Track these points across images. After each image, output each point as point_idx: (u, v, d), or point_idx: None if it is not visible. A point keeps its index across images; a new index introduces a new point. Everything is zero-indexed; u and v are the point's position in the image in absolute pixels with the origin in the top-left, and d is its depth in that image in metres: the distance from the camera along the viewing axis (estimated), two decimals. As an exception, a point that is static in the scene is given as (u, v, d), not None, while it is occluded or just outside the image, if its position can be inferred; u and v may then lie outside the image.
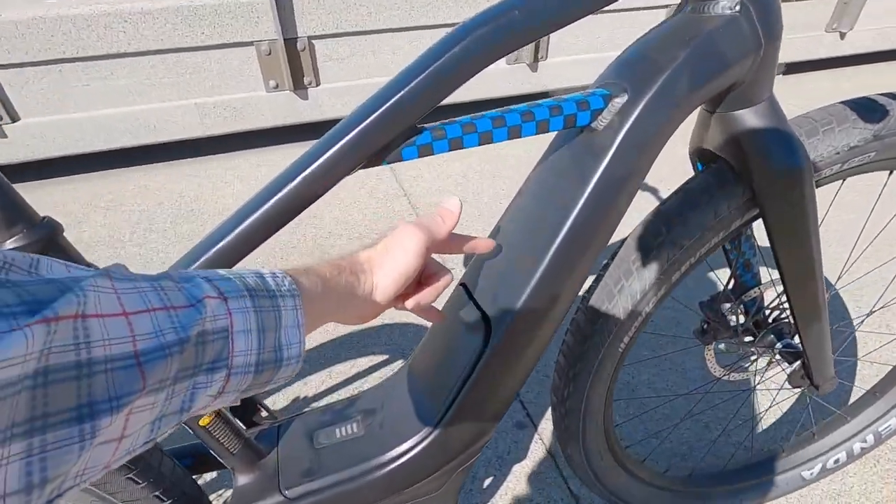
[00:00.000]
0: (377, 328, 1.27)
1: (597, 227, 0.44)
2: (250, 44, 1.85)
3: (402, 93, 0.36)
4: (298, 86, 1.98)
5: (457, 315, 0.51)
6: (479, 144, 0.40)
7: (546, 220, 0.44)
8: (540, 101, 0.42)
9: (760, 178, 0.48)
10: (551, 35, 2.10)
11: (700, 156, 0.57)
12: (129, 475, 0.44)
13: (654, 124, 0.41)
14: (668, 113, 0.41)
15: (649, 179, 1.94)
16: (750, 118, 0.45)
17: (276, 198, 0.36)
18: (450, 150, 0.40)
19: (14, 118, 1.77)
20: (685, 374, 1.14)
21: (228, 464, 0.49)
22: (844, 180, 0.57)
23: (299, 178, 0.36)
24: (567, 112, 0.41)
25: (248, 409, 0.56)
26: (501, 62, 2.23)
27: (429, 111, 0.38)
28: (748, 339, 0.73)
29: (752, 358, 0.77)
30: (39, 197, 1.85)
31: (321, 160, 0.36)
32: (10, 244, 0.33)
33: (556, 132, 0.46)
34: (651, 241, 0.54)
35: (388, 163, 0.39)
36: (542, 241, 0.44)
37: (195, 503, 0.50)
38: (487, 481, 0.95)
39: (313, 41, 1.93)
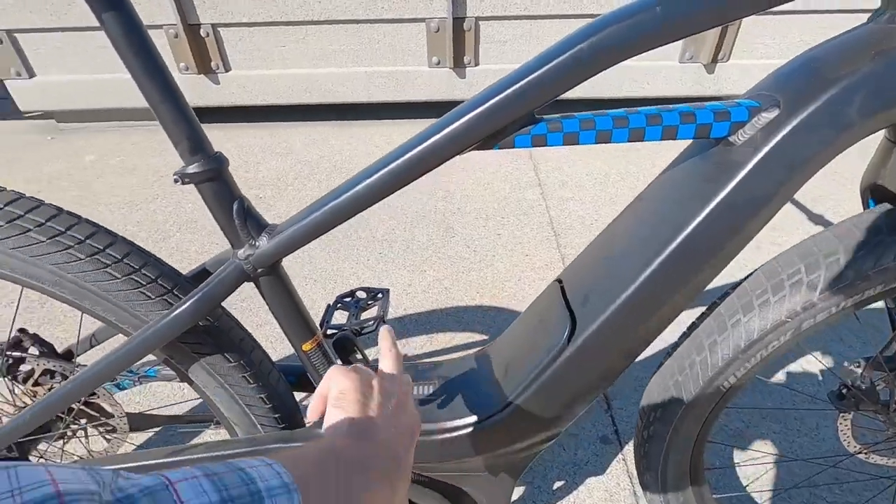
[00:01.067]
0: (476, 309, 1.30)
1: (710, 251, 0.40)
2: (422, 20, 1.96)
3: (523, 82, 0.37)
4: (458, 64, 2.05)
5: (546, 310, 0.51)
6: (596, 143, 0.40)
7: (655, 234, 0.42)
8: (673, 105, 0.39)
9: None
10: (739, 33, 1.88)
11: (874, 192, 0.49)
12: (245, 374, 0.53)
13: (804, 147, 0.36)
14: (826, 136, 0.36)
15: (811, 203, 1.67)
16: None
17: (389, 167, 0.40)
18: (563, 145, 0.40)
19: (227, 69, 2.11)
20: (814, 436, 0.98)
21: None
22: None
23: (414, 151, 0.39)
24: (701, 121, 0.38)
25: (346, 347, 0.63)
26: (674, 58, 2.06)
27: (548, 102, 0.38)
28: (900, 418, 0.61)
29: (901, 442, 0.64)
30: (231, 137, 2.19)
31: (436, 137, 0.39)
32: (190, 168, 0.42)
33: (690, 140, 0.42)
34: (785, 278, 0.48)
35: (500, 147, 0.40)
36: (646, 254, 0.42)
37: (291, 414, 0.58)
38: (558, 483, 0.94)
39: (480, 22, 1.97)
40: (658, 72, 2.08)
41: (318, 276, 1.43)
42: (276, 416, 0.56)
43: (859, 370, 0.60)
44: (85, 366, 0.51)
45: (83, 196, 1.80)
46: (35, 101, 2.19)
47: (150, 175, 1.90)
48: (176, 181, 0.42)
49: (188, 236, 1.60)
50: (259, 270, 0.46)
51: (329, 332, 0.61)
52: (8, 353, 0.60)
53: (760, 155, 0.37)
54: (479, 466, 0.55)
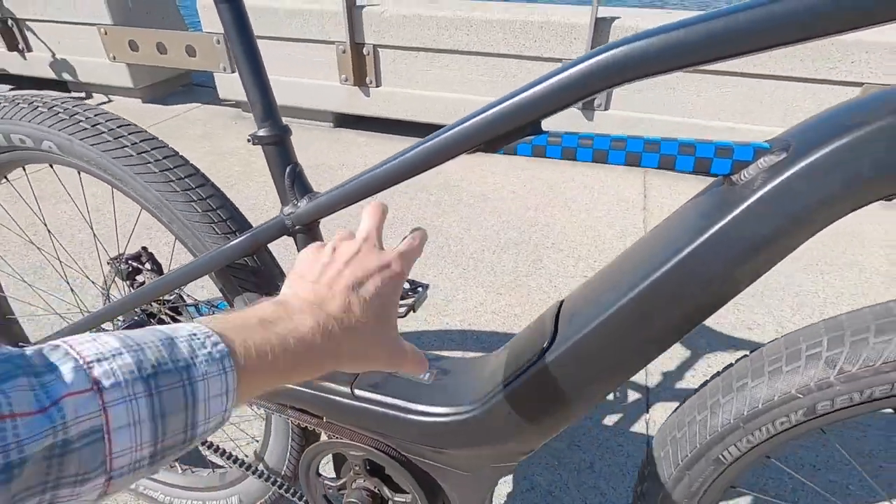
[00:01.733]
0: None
1: (688, 290, 0.38)
2: (559, 60, 2.02)
3: (528, 92, 0.40)
4: (587, 105, 2.06)
5: (539, 324, 0.51)
6: (593, 161, 0.41)
7: (638, 266, 0.41)
8: (680, 138, 0.39)
9: None
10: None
11: None
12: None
13: (805, 195, 0.34)
14: (830, 188, 0.33)
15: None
16: None
17: (409, 154, 0.46)
18: (562, 158, 0.42)
19: (378, 84, 2.37)
20: None
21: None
22: None
23: (431, 143, 0.45)
24: (700, 154, 0.37)
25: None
26: None
27: (553, 114, 0.41)
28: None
29: None
30: (370, 144, 2.43)
31: (449, 133, 0.44)
32: (260, 132, 0.52)
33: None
34: (804, 348, 0.43)
35: (504, 152, 0.43)
36: (622, 286, 0.41)
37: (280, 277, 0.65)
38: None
39: (618, 68, 1.97)
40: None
41: (402, 276, 1.53)
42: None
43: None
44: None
45: (243, 171, 2.15)
46: (231, 92, 2.67)
47: (304, 164, 2.20)
48: (248, 141, 0.52)
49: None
50: (297, 227, 0.54)
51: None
52: (130, 262, 0.77)
53: (757, 195, 0.35)
54: (458, 464, 0.57)
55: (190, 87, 3.30)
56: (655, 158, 0.39)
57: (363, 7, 2.19)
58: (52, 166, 0.65)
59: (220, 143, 2.43)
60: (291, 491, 0.72)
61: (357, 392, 0.58)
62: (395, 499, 0.62)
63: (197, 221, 0.57)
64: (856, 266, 1.61)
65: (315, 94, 2.46)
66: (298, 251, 0.57)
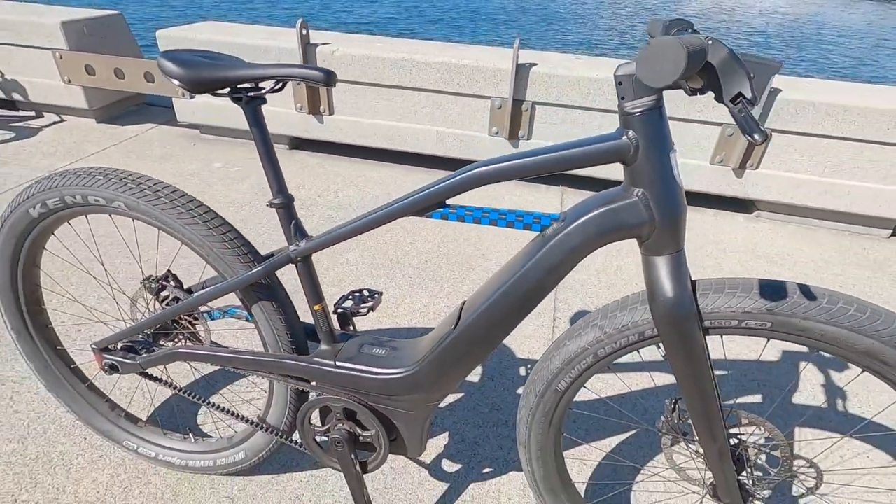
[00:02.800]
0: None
1: (521, 294, 0.73)
2: (488, 98, 2.39)
3: (436, 188, 0.73)
4: (512, 136, 2.44)
5: (450, 317, 0.85)
6: (473, 222, 0.74)
7: (499, 280, 0.75)
8: (516, 210, 0.73)
9: (656, 311, 0.70)
10: (770, 144, 2.10)
11: None
12: (280, 317, 0.91)
13: (570, 243, 0.69)
14: (581, 241, 0.69)
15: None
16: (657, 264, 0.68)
17: (373, 215, 0.77)
18: (457, 221, 0.75)
19: (331, 112, 2.66)
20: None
21: (320, 337, 0.93)
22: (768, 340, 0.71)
23: (389, 208, 0.76)
24: (526, 221, 0.72)
25: (345, 320, 1.00)
26: (706, 160, 2.31)
27: (450, 198, 0.74)
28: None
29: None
30: (325, 165, 2.71)
31: (400, 204, 0.75)
32: (275, 200, 0.82)
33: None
34: (591, 320, 0.79)
35: (427, 216, 0.76)
36: (491, 292, 0.75)
37: (301, 348, 0.95)
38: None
39: (536, 105, 2.36)
40: (693, 169, 2.34)
41: (358, 284, 1.83)
42: (294, 346, 0.94)
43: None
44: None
45: (204, 192, 2.37)
46: (188, 115, 2.86)
47: (257, 186, 2.44)
48: (268, 205, 0.82)
49: (274, 233, 2.08)
50: (298, 259, 0.85)
51: (338, 308, 0.99)
52: (160, 282, 1.04)
53: (549, 244, 0.70)
54: (403, 406, 0.89)
55: (143, 106, 3.42)
56: (504, 222, 0.73)
57: (317, 45, 2.48)
58: (110, 216, 0.92)
59: (181, 166, 2.62)
60: (289, 439, 1.01)
61: (338, 363, 0.89)
62: (364, 434, 0.94)
63: (227, 254, 0.86)
64: (717, 267, 2.08)
65: (273, 119, 2.71)
66: (298, 275, 0.88)
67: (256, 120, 0.78)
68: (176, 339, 1.08)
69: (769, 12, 16.56)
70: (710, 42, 0.53)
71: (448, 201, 0.75)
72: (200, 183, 2.45)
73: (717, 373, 1.55)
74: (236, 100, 0.76)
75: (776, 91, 2.13)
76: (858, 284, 2.03)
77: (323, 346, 0.93)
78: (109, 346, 1.00)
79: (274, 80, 0.73)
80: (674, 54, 0.46)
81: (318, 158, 2.78)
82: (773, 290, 0.67)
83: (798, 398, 1.48)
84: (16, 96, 3.09)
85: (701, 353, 0.71)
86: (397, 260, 1.99)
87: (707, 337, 0.75)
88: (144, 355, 1.01)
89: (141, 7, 9.63)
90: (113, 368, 1.00)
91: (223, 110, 2.76)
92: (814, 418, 1.42)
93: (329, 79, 0.72)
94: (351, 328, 1.01)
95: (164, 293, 1.05)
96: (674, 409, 0.88)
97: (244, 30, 2.75)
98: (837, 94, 2.15)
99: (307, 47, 2.46)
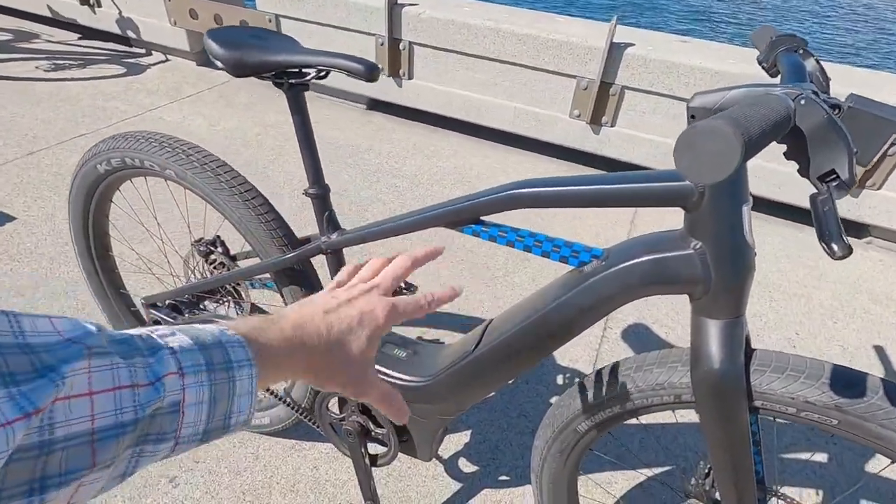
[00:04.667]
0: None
1: (550, 327, 0.66)
2: (574, 77, 2.22)
3: (470, 202, 0.66)
4: (595, 121, 2.27)
5: (473, 333, 0.80)
6: (506, 245, 0.68)
7: (530, 308, 0.69)
8: (555, 239, 0.65)
9: (697, 379, 0.60)
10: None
11: None
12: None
13: (606, 288, 0.61)
14: (621, 287, 0.60)
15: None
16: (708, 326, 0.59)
17: (404, 220, 0.73)
18: (489, 240, 0.69)
19: (410, 76, 2.60)
20: None
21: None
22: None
23: (422, 216, 0.71)
24: (563, 254, 0.64)
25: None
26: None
27: (486, 215, 0.68)
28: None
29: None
30: (397, 130, 2.69)
31: (435, 212, 0.70)
32: (310, 190, 0.80)
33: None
34: (620, 370, 0.71)
35: (461, 231, 0.70)
36: (520, 318, 0.69)
37: (317, 285, 0.95)
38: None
39: (626, 89, 2.16)
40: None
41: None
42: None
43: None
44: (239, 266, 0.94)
45: (281, 146, 2.44)
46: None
47: (330, 146, 2.47)
48: (303, 194, 0.80)
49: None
50: (329, 251, 0.83)
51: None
52: (209, 246, 1.07)
53: (586, 283, 0.62)
54: (416, 412, 0.87)
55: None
56: (540, 250, 0.66)
57: (403, 6, 2.40)
58: (167, 182, 0.95)
59: (263, 116, 2.71)
60: (308, 418, 1.04)
61: (357, 359, 0.88)
62: (376, 430, 0.94)
63: (262, 234, 0.87)
64: (806, 297, 1.85)
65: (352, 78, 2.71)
66: (328, 266, 0.87)
67: (298, 106, 0.75)
68: (220, 302, 1.12)
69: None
70: (802, 101, 0.41)
71: (483, 217, 0.69)
72: (278, 135, 2.52)
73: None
74: (279, 84, 0.74)
75: (922, 101, 1.79)
76: (982, 342, 1.73)
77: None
78: (157, 303, 1.06)
79: (316, 70, 0.69)
80: (723, 146, 0.33)
81: (393, 122, 2.76)
82: (847, 381, 0.56)
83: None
84: (129, 34, 3.31)
85: (743, 432, 0.62)
86: (452, 241, 1.95)
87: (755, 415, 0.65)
88: (187, 315, 1.06)
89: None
90: (157, 324, 1.06)
91: (307, 65, 2.78)
92: None
93: (371, 74, 0.67)
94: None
95: (212, 256, 1.09)
96: (707, 475, 0.80)
97: (336, -16, 2.73)
98: None
99: (394, 7, 2.40)
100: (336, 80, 2.74)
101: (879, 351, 1.64)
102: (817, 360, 0.59)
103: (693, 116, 0.52)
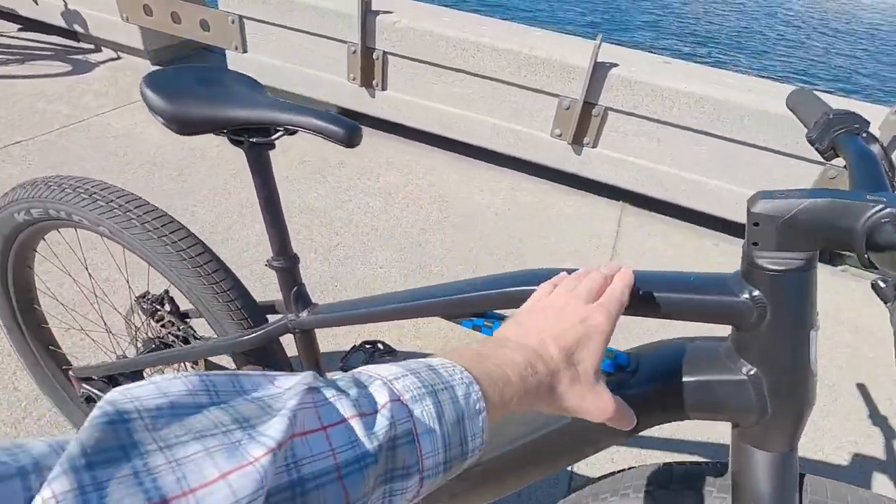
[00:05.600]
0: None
1: (554, 456, 0.56)
2: (556, 96, 2.13)
3: (493, 291, 0.55)
4: (577, 141, 2.19)
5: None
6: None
7: (527, 423, 0.58)
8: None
9: None
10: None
11: None
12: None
13: (636, 411, 0.51)
14: (651, 410, 0.50)
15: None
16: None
17: (389, 305, 0.61)
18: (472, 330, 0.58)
19: (384, 88, 2.47)
20: None
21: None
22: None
23: (415, 302, 0.59)
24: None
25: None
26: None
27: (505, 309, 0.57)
28: None
29: None
30: (370, 143, 2.55)
31: (429, 300, 0.58)
32: (275, 262, 0.67)
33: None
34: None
35: (462, 325, 0.59)
36: (518, 433, 0.59)
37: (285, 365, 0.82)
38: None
39: (609, 111, 2.10)
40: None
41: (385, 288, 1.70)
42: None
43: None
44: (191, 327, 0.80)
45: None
46: (238, 69, 2.73)
47: (298, 159, 2.32)
48: (266, 265, 0.67)
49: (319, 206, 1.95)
50: (297, 331, 0.70)
51: (343, 368, 0.85)
52: (155, 304, 0.93)
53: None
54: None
55: (200, 52, 3.31)
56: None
57: (378, 13, 2.26)
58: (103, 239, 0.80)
59: (226, 125, 2.52)
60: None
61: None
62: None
63: (218, 308, 0.73)
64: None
65: (323, 87, 2.55)
66: (297, 349, 0.74)
67: (260, 167, 0.62)
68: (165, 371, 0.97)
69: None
70: (885, 221, 0.34)
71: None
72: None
73: None
74: (237, 142, 0.60)
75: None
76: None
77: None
78: (92, 377, 0.90)
79: (284, 129, 0.57)
80: None
81: (366, 135, 2.58)
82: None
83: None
84: (77, 28, 3.04)
85: None
86: (429, 268, 1.84)
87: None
88: (128, 386, 0.91)
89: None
90: (89, 400, 0.90)
91: (283, 72, 2.61)
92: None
93: (351, 139, 0.55)
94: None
95: (159, 313, 0.94)
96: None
97: (305, -15, 2.56)
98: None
99: (367, 14, 2.26)
100: (307, 87, 2.58)
101: (862, 389, 1.62)
102: (877, 494, 0.51)
103: (756, 224, 0.42)
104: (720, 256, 2.12)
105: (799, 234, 0.41)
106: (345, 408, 0.25)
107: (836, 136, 0.51)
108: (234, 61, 2.71)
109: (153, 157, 2.23)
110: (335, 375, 0.29)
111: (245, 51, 2.66)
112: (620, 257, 2.03)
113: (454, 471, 0.30)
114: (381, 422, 0.26)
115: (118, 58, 3.06)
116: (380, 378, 0.28)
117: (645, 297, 0.47)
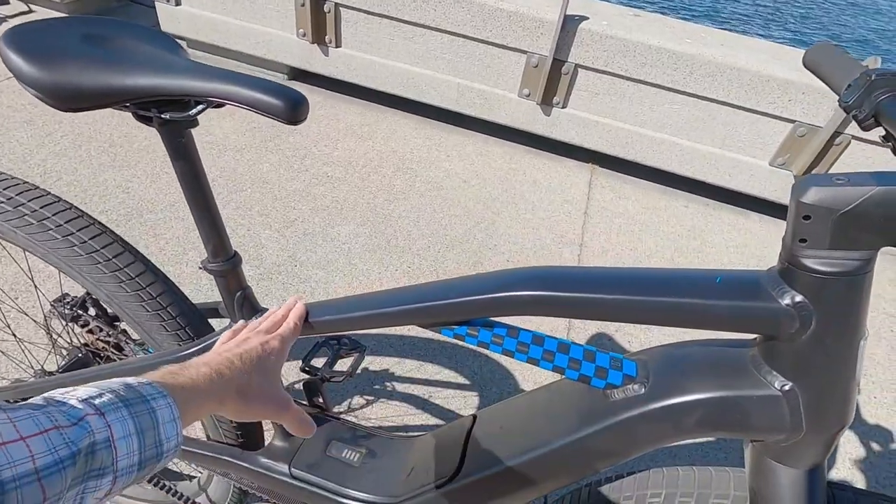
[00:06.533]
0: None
1: (560, 472, 0.49)
2: (524, 52, 2.00)
3: (482, 296, 0.46)
4: (546, 101, 2.08)
5: (450, 439, 0.61)
6: (502, 353, 0.49)
7: (532, 435, 0.51)
8: (571, 347, 0.47)
9: None
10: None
11: None
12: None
13: (646, 429, 0.44)
14: (663, 430, 0.43)
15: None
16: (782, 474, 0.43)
17: (326, 317, 0.51)
18: (478, 346, 0.49)
19: (338, 45, 2.26)
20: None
21: (275, 429, 0.70)
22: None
23: (382, 310, 0.50)
24: (583, 372, 0.46)
25: (312, 390, 0.77)
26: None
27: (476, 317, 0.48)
28: None
29: None
30: (325, 105, 2.36)
31: (387, 308, 0.50)
32: (211, 265, 0.55)
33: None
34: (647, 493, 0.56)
35: (442, 332, 0.50)
36: (516, 449, 0.51)
37: (254, 438, 0.73)
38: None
39: (579, 68, 1.99)
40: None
41: (347, 266, 1.58)
42: (242, 440, 0.72)
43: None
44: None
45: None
46: (173, 26, 2.45)
47: (243, 122, 2.12)
48: (200, 269, 0.56)
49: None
50: (245, 341, 0.59)
51: (306, 369, 0.75)
52: (75, 308, 0.79)
53: (614, 420, 0.45)
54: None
55: (127, 4, 2.97)
56: (550, 366, 0.47)
57: (327, -40, 2.04)
58: None
59: (162, 89, 2.27)
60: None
61: (294, 471, 0.67)
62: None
63: (146, 320, 0.61)
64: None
65: (270, 44, 2.32)
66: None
67: (179, 150, 0.49)
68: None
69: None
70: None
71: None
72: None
73: None
74: (143, 119, 0.47)
75: None
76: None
77: (277, 442, 0.70)
78: (8, 399, 0.77)
79: (205, 102, 0.44)
80: None
81: (319, 96, 2.42)
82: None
83: None
84: (-23, -24, 2.65)
85: None
86: (396, 241, 1.73)
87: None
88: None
89: None
90: None
91: (216, 25, 2.35)
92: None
93: (295, 114, 0.43)
94: (320, 400, 0.78)
95: (80, 320, 0.81)
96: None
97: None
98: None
99: (315, -39, 2.03)
100: (252, 45, 2.34)
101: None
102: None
103: (807, 217, 0.34)
104: (692, 218, 2.10)
105: (860, 229, 0.33)
106: (41, 422, 0.28)
107: (881, 101, 0.43)
108: (165, 15, 2.43)
109: (80, 124, 1.98)
110: (35, 400, 0.32)
111: (178, 3, 2.38)
112: (592, 221, 1.97)
113: (149, 469, 0.35)
114: (79, 432, 0.30)
115: (29, 10, 2.70)
116: (76, 397, 0.32)
117: (661, 307, 0.39)
